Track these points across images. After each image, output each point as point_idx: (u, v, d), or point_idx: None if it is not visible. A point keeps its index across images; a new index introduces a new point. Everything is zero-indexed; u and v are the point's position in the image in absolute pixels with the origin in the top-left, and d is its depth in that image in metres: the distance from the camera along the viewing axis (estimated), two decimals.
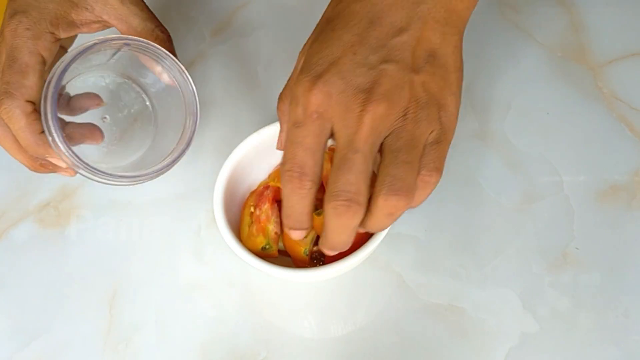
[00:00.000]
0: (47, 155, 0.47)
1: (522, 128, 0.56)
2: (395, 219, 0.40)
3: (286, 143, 0.40)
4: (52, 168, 0.49)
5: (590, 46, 0.59)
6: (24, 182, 0.58)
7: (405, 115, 0.39)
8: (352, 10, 0.41)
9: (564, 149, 0.55)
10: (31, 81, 0.45)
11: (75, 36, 0.50)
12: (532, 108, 0.57)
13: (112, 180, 0.47)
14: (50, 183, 0.57)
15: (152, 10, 0.50)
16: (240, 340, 0.50)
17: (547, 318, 0.49)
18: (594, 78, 0.58)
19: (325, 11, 0.43)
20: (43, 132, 0.45)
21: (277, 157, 0.49)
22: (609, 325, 0.48)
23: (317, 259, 0.50)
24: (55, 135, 0.44)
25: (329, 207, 0.39)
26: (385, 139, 0.39)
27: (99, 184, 0.47)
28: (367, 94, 0.38)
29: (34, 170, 0.49)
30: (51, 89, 0.45)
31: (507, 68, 0.59)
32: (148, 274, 0.54)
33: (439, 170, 0.40)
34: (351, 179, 0.38)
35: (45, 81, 0.46)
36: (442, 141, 0.40)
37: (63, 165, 0.48)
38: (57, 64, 0.45)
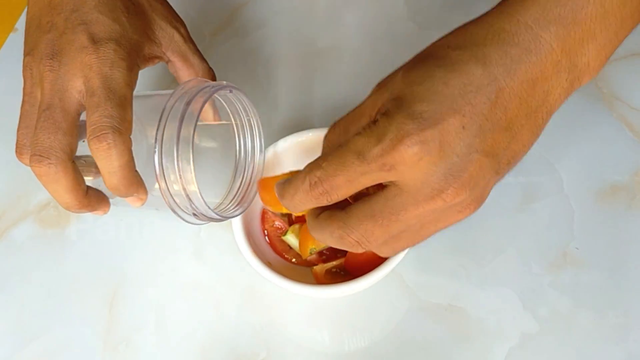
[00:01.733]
0: (135, 194, 0.43)
1: None
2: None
3: (334, 157, 0.37)
4: (95, 206, 0.44)
5: None
6: (24, 182, 0.58)
7: (462, 210, 0.38)
8: (471, 71, 0.35)
9: (564, 149, 0.55)
10: (130, 115, 0.41)
11: None
12: None
13: (206, 220, 0.45)
14: None
15: None
16: (240, 340, 0.50)
17: (547, 318, 0.49)
18: (594, 78, 0.58)
19: (431, 46, 0.38)
20: (136, 170, 0.42)
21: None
22: (609, 325, 0.48)
23: (336, 274, 0.50)
24: (191, 170, 0.42)
25: (338, 232, 0.38)
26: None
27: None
28: (455, 180, 0.36)
29: (74, 210, 0.44)
30: (192, 129, 0.42)
31: None
32: (148, 274, 0.54)
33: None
34: (377, 235, 0.38)
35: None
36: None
37: (138, 205, 0.44)
38: (189, 98, 0.43)
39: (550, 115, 0.38)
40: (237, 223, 0.48)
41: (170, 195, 0.43)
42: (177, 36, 0.47)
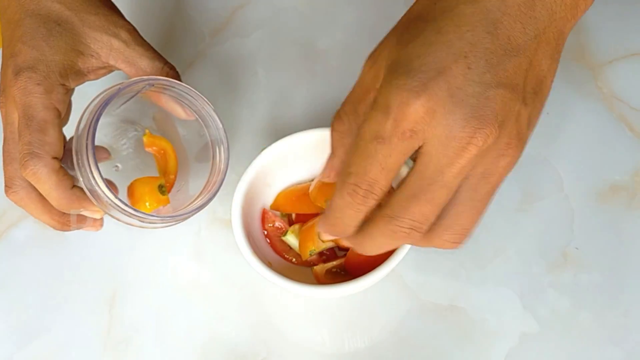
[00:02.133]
0: (82, 209, 0.45)
1: None
2: None
3: (357, 155, 0.35)
4: (79, 224, 0.47)
5: (590, 46, 0.59)
6: None
7: (504, 153, 0.35)
8: (461, 12, 0.34)
9: (564, 149, 0.55)
10: (52, 137, 0.43)
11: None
12: None
13: (159, 222, 0.46)
14: None
15: (152, 10, 0.50)
16: (240, 340, 0.50)
17: (547, 318, 0.49)
18: (594, 78, 0.58)
19: (415, 5, 0.37)
20: (74, 186, 0.44)
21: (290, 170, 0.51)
22: (609, 325, 0.48)
23: (336, 274, 0.50)
24: (101, 185, 0.43)
25: (387, 227, 0.36)
26: (469, 177, 0.35)
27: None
28: (480, 122, 0.33)
29: (60, 229, 0.47)
30: (90, 138, 0.43)
31: None
32: (148, 274, 0.54)
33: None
34: (425, 211, 0.35)
35: (64, 134, 0.45)
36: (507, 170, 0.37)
37: (97, 216, 0.46)
38: (87, 109, 0.44)
39: (563, 38, 0.36)
40: (237, 223, 0.48)
41: (104, 199, 0.44)
42: (116, 43, 0.46)
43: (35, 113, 0.43)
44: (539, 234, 0.52)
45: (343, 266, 0.50)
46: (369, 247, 0.38)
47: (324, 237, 0.40)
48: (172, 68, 0.49)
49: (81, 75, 0.46)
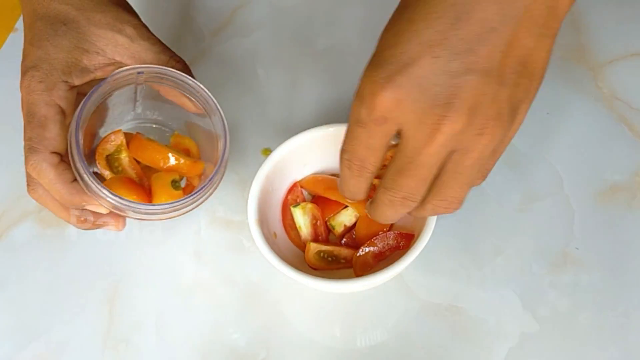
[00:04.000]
0: (84, 204, 0.46)
1: (522, 128, 0.56)
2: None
3: (347, 135, 0.39)
4: (96, 223, 0.48)
5: (590, 46, 0.59)
6: (24, 182, 0.58)
7: (482, 132, 0.36)
8: (431, 1, 0.35)
9: (564, 149, 0.55)
10: (52, 132, 0.45)
11: (90, 82, 0.48)
12: (532, 108, 0.57)
13: (157, 213, 0.46)
14: None
15: (152, 10, 0.50)
16: (240, 340, 0.50)
17: (547, 318, 0.49)
18: (594, 78, 0.58)
19: None
20: (75, 180, 0.45)
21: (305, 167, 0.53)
22: (609, 325, 0.48)
23: (325, 259, 0.51)
24: (85, 176, 0.44)
25: (385, 197, 0.40)
26: (453, 152, 0.37)
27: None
28: (445, 108, 0.35)
29: (80, 227, 0.48)
30: (73, 132, 0.44)
31: None
32: (148, 274, 0.54)
33: (485, 177, 0.40)
34: (411, 184, 0.38)
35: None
36: (498, 151, 0.38)
37: (103, 211, 0.46)
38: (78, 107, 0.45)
39: (557, 13, 0.35)
40: (255, 189, 0.49)
41: (95, 191, 0.44)
42: (121, 39, 0.47)
43: (37, 110, 0.45)
44: (539, 234, 0.52)
45: (334, 254, 0.51)
46: (378, 214, 0.42)
47: (346, 200, 0.44)
48: (179, 61, 0.49)
49: (87, 72, 0.47)
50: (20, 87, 0.46)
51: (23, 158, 0.46)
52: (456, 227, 0.53)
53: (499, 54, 0.34)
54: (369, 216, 0.43)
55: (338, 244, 0.52)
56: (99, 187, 0.44)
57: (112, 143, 0.49)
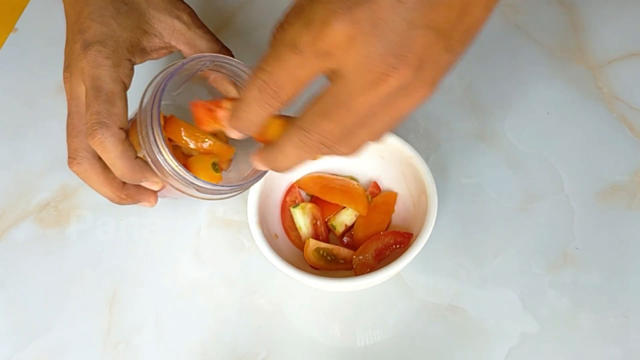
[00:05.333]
0: (143, 179, 0.46)
1: (522, 128, 0.56)
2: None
3: (272, 55, 0.35)
4: (136, 198, 0.49)
5: (590, 46, 0.59)
6: (24, 182, 0.58)
7: (414, 93, 0.35)
8: None
9: (564, 149, 0.55)
10: (119, 108, 0.45)
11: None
12: (532, 108, 0.57)
13: (215, 193, 0.46)
14: (50, 183, 0.58)
15: None
16: (240, 340, 0.50)
17: (547, 318, 0.49)
18: (594, 78, 0.58)
19: None
20: (137, 157, 0.45)
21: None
22: (609, 325, 0.48)
23: (324, 258, 0.51)
24: (164, 152, 0.44)
25: (296, 137, 0.36)
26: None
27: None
28: (397, 60, 0.33)
29: (118, 203, 0.49)
30: (155, 109, 0.44)
31: (507, 68, 0.59)
32: (148, 274, 0.54)
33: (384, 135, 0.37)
34: (334, 130, 0.36)
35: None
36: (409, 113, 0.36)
37: (156, 188, 0.48)
38: (151, 84, 0.45)
39: None
40: (254, 193, 0.49)
41: (166, 169, 0.44)
42: (178, 24, 0.49)
43: (104, 85, 0.45)
44: (539, 234, 0.52)
45: (333, 253, 0.51)
46: (280, 159, 0.38)
47: (230, 133, 0.40)
48: (229, 51, 0.51)
49: (145, 53, 0.48)
50: (81, 60, 0.45)
51: (67, 133, 0.46)
52: (456, 227, 0.53)
53: (454, 17, 0.33)
54: (265, 164, 0.40)
55: (338, 243, 0.52)
56: (177, 165, 0.44)
57: None
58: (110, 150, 0.44)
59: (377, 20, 0.32)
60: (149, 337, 0.51)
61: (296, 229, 0.52)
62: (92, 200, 0.57)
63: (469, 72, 0.59)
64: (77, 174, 0.47)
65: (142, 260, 0.54)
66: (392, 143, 0.50)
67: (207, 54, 0.47)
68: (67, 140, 0.47)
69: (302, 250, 0.51)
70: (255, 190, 0.49)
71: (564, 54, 0.59)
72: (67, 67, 0.47)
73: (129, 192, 0.48)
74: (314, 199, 0.53)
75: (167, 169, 0.44)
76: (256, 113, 0.37)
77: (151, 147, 0.44)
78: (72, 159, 0.47)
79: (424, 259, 0.51)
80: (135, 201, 0.49)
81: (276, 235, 0.51)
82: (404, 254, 0.45)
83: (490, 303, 0.50)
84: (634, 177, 0.53)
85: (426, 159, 0.50)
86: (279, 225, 0.52)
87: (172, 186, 0.46)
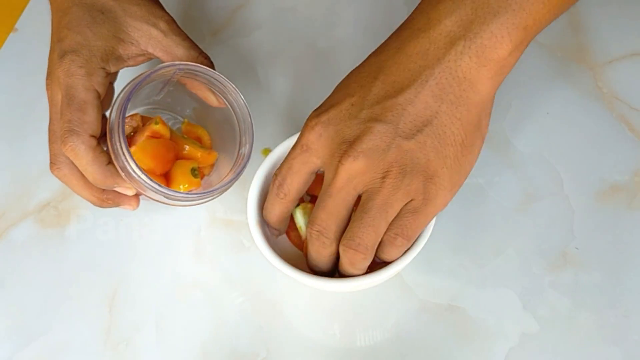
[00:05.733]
0: (115, 185, 0.48)
1: (522, 128, 0.56)
2: (361, 268, 0.44)
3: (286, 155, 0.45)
4: (117, 201, 0.50)
5: (590, 46, 0.59)
6: (24, 182, 0.58)
7: (384, 177, 0.41)
8: (368, 61, 0.44)
9: (564, 149, 0.55)
10: (91, 116, 0.46)
11: (118, 71, 0.51)
12: (532, 108, 0.57)
13: (183, 200, 0.48)
14: (50, 183, 0.57)
15: None
16: (240, 340, 0.50)
17: (547, 318, 0.49)
18: (594, 78, 0.58)
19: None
20: (109, 163, 0.47)
21: None
22: (609, 325, 0.48)
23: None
24: (130, 161, 0.45)
25: (308, 231, 0.44)
26: (362, 192, 0.42)
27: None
28: (349, 147, 0.41)
29: (99, 206, 0.50)
30: (119, 117, 0.46)
31: None
32: (148, 274, 0.54)
33: (407, 237, 0.43)
34: (322, 217, 0.43)
35: (103, 115, 0.48)
36: (420, 212, 0.42)
37: (130, 193, 0.49)
38: (119, 94, 0.47)
39: (471, 82, 0.41)
40: (255, 189, 0.49)
41: (133, 176, 0.46)
42: (155, 32, 0.49)
43: (77, 93, 0.46)
44: (539, 234, 0.52)
45: None
46: (309, 257, 0.46)
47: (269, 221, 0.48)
48: (207, 57, 0.52)
49: (121, 61, 0.49)
50: (57, 69, 0.47)
51: (48, 139, 0.48)
52: (456, 227, 0.53)
53: (402, 110, 0.40)
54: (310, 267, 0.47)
55: None
56: (141, 173, 0.46)
57: (129, 125, 0.51)
58: (82, 157, 0.46)
59: (337, 121, 0.42)
60: (149, 337, 0.51)
61: (296, 228, 0.52)
62: None
63: None
64: (59, 178, 0.49)
65: (142, 260, 0.54)
66: None
67: (177, 62, 0.49)
68: (49, 145, 0.49)
69: (302, 250, 0.51)
70: (255, 190, 0.49)
71: (564, 54, 0.59)
72: (49, 75, 0.48)
73: (108, 195, 0.49)
74: (314, 199, 0.53)
75: (135, 177, 0.46)
76: (273, 206, 0.47)
77: (116, 155, 0.46)
78: (52, 163, 0.48)
79: (424, 259, 0.51)
80: (116, 204, 0.50)
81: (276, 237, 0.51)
82: (404, 254, 0.45)
83: (490, 303, 0.50)
84: (634, 177, 0.53)
85: None
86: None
87: (142, 193, 0.47)
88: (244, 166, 0.49)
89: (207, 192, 0.48)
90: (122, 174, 0.46)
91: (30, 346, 0.52)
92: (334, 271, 0.47)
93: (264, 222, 0.49)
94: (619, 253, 0.51)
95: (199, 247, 0.54)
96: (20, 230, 0.56)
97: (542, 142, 0.56)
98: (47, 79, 0.49)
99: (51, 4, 0.51)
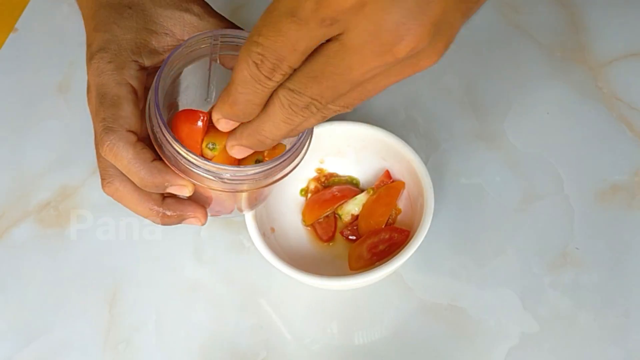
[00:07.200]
0: (167, 184, 0.42)
1: (522, 128, 0.56)
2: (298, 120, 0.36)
3: (267, 26, 0.32)
4: (180, 215, 0.45)
5: (590, 46, 0.59)
6: (24, 182, 0.58)
7: (418, 63, 0.32)
8: None
9: (564, 149, 0.55)
10: (126, 111, 0.42)
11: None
12: (532, 108, 0.57)
13: (248, 180, 0.41)
14: (50, 183, 0.57)
15: None
16: (240, 340, 0.50)
17: (547, 318, 0.49)
18: (594, 78, 0.58)
19: None
20: (155, 159, 0.42)
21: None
22: (609, 325, 0.48)
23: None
24: (173, 143, 0.39)
25: (288, 99, 0.34)
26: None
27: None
28: (411, 29, 0.30)
29: (162, 223, 0.45)
30: (155, 99, 0.41)
31: (507, 68, 0.59)
32: (148, 274, 0.54)
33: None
34: (326, 95, 0.34)
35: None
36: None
37: (186, 193, 0.43)
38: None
39: None
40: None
41: (182, 162, 0.40)
42: (188, 17, 0.45)
43: (108, 90, 0.42)
44: (539, 234, 0.52)
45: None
46: (267, 127, 0.36)
47: (222, 126, 0.38)
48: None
49: (156, 54, 0.45)
50: (88, 72, 0.43)
51: (95, 149, 0.43)
52: (456, 227, 0.53)
53: None
54: (235, 143, 0.38)
55: (342, 237, 0.52)
56: (186, 152, 0.39)
57: (202, 120, 0.44)
58: (122, 155, 0.41)
59: None
60: (149, 337, 0.51)
61: (322, 222, 0.52)
62: (92, 200, 0.57)
63: (469, 72, 0.59)
64: (110, 195, 0.44)
65: (142, 260, 0.54)
66: (392, 143, 0.50)
67: (207, 31, 0.44)
68: (97, 160, 0.44)
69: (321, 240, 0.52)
70: None
71: (564, 54, 0.59)
72: (88, 88, 0.45)
73: (169, 206, 0.44)
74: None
75: (183, 163, 0.40)
76: (256, 93, 0.34)
77: (156, 138, 0.41)
78: (102, 179, 0.43)
79: (423, 258, 0.51)
80: (180, 218, 0.45)
81: (273, 229, 0.51)
82: (401, 251, 0.45)
83: (490, 303, 0.50)
84: (634, 177, 0.53)
85: (426, 159, 0.50)
86: (277, 219, 0.52)
87: (196, 183, 0.42)
88: (310, 133, 0.43)
89: (268, 167, 0.41)
90: (170, 165, 0.40)
91: (30, 346, 0.52)
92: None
93: (263, 222, 0.49)
94: (619, 253, 0.51)
95: (199, 246, 0.54)
96: (20, 230, 0.56)
97: (542, 142, 0.56)
98: (87, 93, 0.45)
99: (82, 12, 0.47)
